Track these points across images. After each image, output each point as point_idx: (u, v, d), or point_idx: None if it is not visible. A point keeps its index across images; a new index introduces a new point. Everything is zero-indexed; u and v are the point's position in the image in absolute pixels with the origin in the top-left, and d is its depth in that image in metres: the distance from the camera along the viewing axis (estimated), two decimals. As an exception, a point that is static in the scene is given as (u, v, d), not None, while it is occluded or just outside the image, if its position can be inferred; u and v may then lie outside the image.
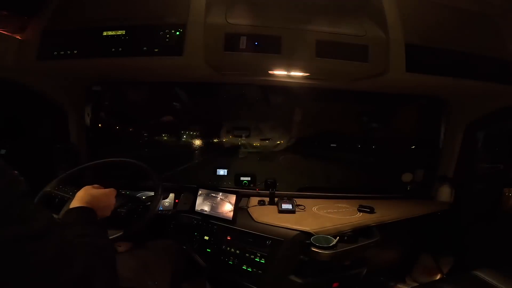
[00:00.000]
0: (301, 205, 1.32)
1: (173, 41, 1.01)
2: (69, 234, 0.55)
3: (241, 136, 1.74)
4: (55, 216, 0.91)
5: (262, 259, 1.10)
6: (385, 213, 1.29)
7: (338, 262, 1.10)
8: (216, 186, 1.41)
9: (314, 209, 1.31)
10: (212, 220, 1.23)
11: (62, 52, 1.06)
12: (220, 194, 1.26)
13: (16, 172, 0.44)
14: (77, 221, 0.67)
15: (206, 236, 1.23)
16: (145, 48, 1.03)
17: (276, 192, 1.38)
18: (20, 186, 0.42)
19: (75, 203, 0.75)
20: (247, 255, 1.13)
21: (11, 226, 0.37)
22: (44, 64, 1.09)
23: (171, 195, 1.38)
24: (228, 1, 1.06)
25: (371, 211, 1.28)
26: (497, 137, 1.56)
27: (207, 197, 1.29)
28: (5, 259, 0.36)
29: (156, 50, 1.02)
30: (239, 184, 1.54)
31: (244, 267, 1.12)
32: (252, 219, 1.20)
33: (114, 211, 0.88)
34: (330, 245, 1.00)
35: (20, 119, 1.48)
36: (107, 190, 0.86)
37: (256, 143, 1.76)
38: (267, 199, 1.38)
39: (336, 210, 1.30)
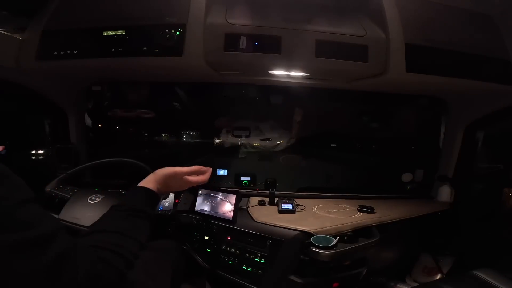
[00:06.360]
0: (301, 205, 1.32)
1: (173, 41, 1.01)
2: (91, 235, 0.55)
3: (241, 136, 1.74)
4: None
5: (262, 259, 1.10)
6: (385, 213, 1.29)
7: (338, 262, 1.10)
8: (216, 186, 1.41)
9: (314, 209, 1.31)
10: (212, 220, 1.23)
11: (62, 52, 1.06)
12: (220, 194, 1.26)
13: (19, 178, 0.44)
14: (135, 204, 0.65)
15: (206, 236, 1.23)
16: (145, 48, 1.02)
17: (276, 192, 1.38)
18: (23, 192, 0.42)
19: (149, 180, 0.72)
20: (247, 255, 1.13)
21: (13, 231, 0.37)
22: (44, 64, 1.09)
23: (171, 195, 1.38)
24: (228, 1, 1.06)
25: (371, 211, 1.28)
26: (497, 137, 1.56)
27: (207, 197, 1.28)
28: (7, 265, 0.36)
29: (156, 50, 1.02)
30: (239, 184, 1.53)
31: (244, 267, 1.12)
32: (252, 219, 1.20)
33: None
34: (330, 245, 1.00)
35: (20, 119, 1.48)
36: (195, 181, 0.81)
37: (256, 143, 1.75)
38: (267, 199, 1.38)
39: (336, 210, 1.30)
